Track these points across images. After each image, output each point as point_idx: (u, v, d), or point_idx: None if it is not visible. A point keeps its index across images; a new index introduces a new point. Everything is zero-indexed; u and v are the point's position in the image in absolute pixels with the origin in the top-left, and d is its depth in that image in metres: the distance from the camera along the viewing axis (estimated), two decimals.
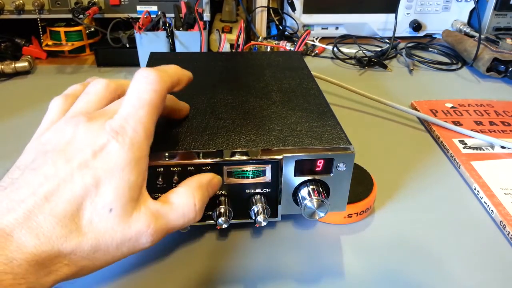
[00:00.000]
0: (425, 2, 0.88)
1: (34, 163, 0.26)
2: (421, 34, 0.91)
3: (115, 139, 0.25)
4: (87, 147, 0.25)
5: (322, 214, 0.33)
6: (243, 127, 0.35)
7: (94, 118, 0.27)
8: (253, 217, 0.33)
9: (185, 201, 0.29)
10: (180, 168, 0.31)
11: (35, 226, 0.23)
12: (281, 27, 0.86)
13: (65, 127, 0.27)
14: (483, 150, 0.51)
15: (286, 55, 0.52)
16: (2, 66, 0.66)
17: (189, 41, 0.66)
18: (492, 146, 0.52)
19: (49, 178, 0.25)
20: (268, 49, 0.79)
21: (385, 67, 0.76)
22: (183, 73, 0.32)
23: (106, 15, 0.74)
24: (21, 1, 0.70)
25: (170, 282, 0.33)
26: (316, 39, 0.88)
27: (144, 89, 0.27)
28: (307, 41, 0.82)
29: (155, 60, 0.49)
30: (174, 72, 0.31)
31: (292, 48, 0.77)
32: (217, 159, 0.32)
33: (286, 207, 0.34)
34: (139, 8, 0.74)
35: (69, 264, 0.24)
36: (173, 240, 0.37)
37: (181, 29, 0.67)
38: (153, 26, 0.66)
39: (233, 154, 0.32)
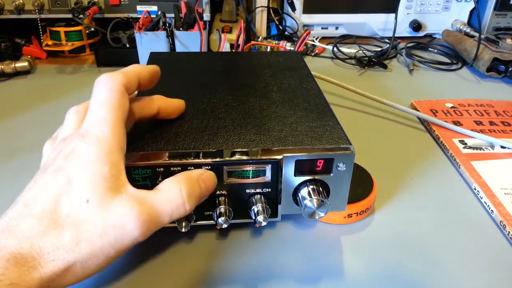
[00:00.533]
0: (425, 2, 0.88)
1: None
2: (421, 34, 0.91)
3: (82, 141, 0.27)
4: (59, 155, 0.28)
5: (322, 214, 0.33)
6: (243, 127, 0.35)
7: (69, 137, 0.29)
8: (253, 217, 0.33)
9: (171, 186, 0.29)
10: (180, 168, 0.31)
11: (14, 229, 0.25)
12: (281, 27, 0.86)
13: (50, 155, 0.29)
14: (483, 150, 0.51)
15: (286, 55, 0.52)
16: (2, 66, 0.66)
17: (189, 41, 0.66)
18: (492, 146, 0.52)
19: (29, 190, 0.27)
20: (268, 49, 0.79)
21: (385, 67, 0.76)
22: (143, 68, 0.33)
23: (106, 15, 0.74)
24: (21, 1, 0.70)
25: (170, 282, 0.33)
26: (316, 39, 0.88)
27: (99, 91, 0.29)
28: (307, 41, 0.82)
29: (155, 60, 0.49)
30: (131, 69, 0.32)
31: (292, 48, 0.77)
32: (217, 159, 0.32)
33: (286, 207, 0.34)
34: (139, 8, 0.74)
35: (54, 260, 0.24)
36: (173, 240, 0.37)
37: (181, 29, 0.67)
38: (153, 26, 0.66)
39: (233, 154, 0.32)
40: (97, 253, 0.26)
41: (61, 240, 0.25)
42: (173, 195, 0.29)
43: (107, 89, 0.29)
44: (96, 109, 0.28)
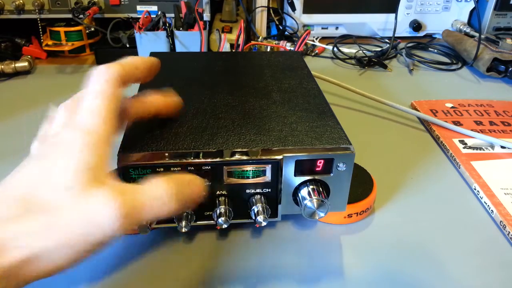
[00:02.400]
0: (425, 2, 0.88)
1: None
2: (421, 34, 0.91)
3: (72, 130, 0.27)
4: (45, 142, 0.28)
5: (322, 214, 0.33)
6: (243, 127, 0.35)
7: (60, 127, 0.29)
8: (253, 217, 0.33)
9: (158, 183, 0.28)
10: (180, 168, 0.31)
11: None
12: (281, 27, 0.86)
13: (40, 146, 0.29)
14: (483, 150, 0.51)
15: (286, 55, 0.52)
16: (2, 66, 0.66)
17: (189, 41, 0.66)
18: (492, 146, 0.52)
19: (14, 174, 0.26)
20: (268, 49, 0.79)
21: (385, 67, 0.76)
22: (140, 60, 0.32)
23: (106, 15, 0.74)
24: (21, 1, 0.70)
25: (170, 282, 0.33)
26: (316, 39, 0.88)
27: (94, 81, 0.29)
28: (307, 41, 0.82)
29: None
30: (128, 60, 0.31)
31: (292, 48, 0.77)
32: (217, 159, 0.32)
33: (286, 207, 0.34)
34: (139, 8, 0.74)
35: (17, 247, 0.23)
36: (173, 240, 0.37)
37: (181, 29, 0.67)
38: (153, 26, 0.66)
39: (233, 154, 0.32)
40: (67, 243, 0.24)
41: (29, 227, 0.23)
42: (160, 192, 0.27)
43: (103, 80, 0.29)
44: (90, 100, 0.28)
